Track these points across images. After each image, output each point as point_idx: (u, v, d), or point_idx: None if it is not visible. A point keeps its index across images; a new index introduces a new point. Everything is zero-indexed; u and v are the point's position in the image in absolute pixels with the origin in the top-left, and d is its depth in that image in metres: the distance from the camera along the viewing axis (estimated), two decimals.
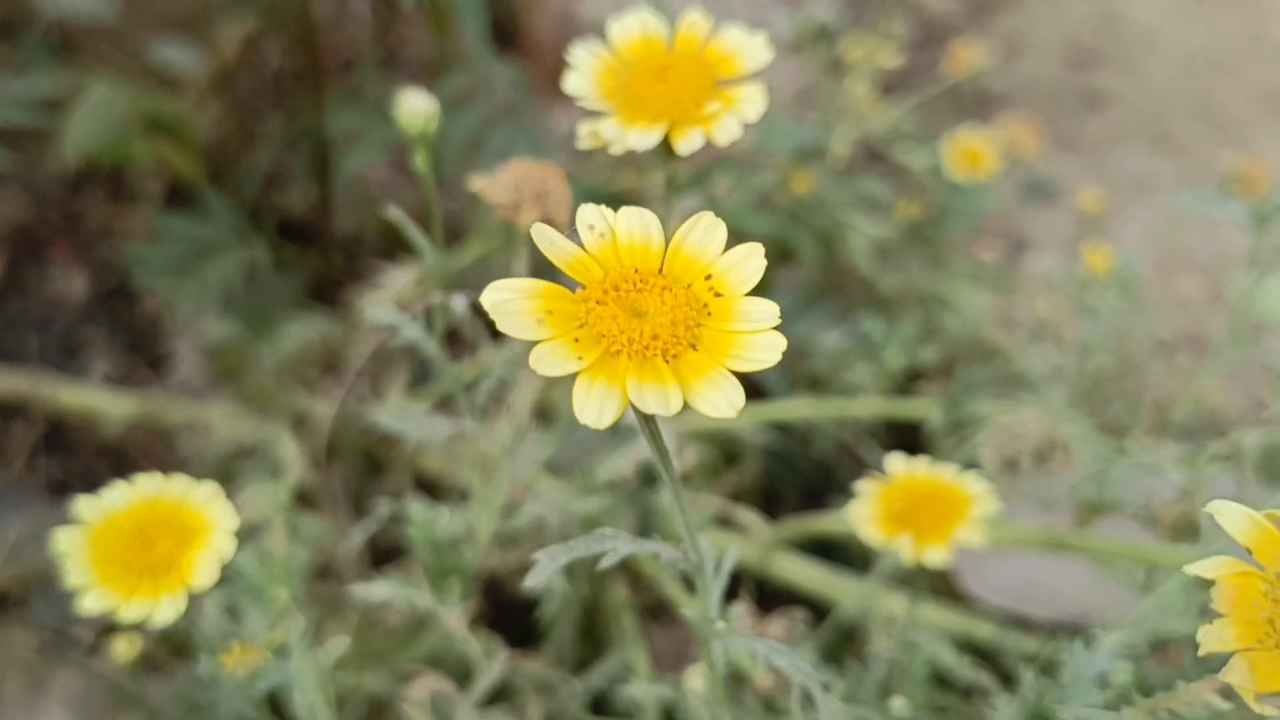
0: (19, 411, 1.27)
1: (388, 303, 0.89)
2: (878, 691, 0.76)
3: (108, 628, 0.96)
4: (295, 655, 0.69)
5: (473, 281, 0.80)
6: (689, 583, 0.53)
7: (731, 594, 0.54)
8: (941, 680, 0.81)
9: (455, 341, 0.75)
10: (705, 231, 0.43)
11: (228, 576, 0.65)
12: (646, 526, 0.92)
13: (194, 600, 0.60)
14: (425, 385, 1.12)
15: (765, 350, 0.39)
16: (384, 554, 1.02)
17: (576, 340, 0.39)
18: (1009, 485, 0.87)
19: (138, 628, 0.67)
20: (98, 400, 1.22)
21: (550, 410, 0.99)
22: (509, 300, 0.39)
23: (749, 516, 0.99)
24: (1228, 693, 0.42)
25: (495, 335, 0.54)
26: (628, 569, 0.98)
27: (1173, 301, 1.49)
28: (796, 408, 1.06)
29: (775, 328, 0.40)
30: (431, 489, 1.06)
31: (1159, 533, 0.85)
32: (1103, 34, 2.03)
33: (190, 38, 1.40)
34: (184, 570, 0.60)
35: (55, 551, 0.59)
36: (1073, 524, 0.91)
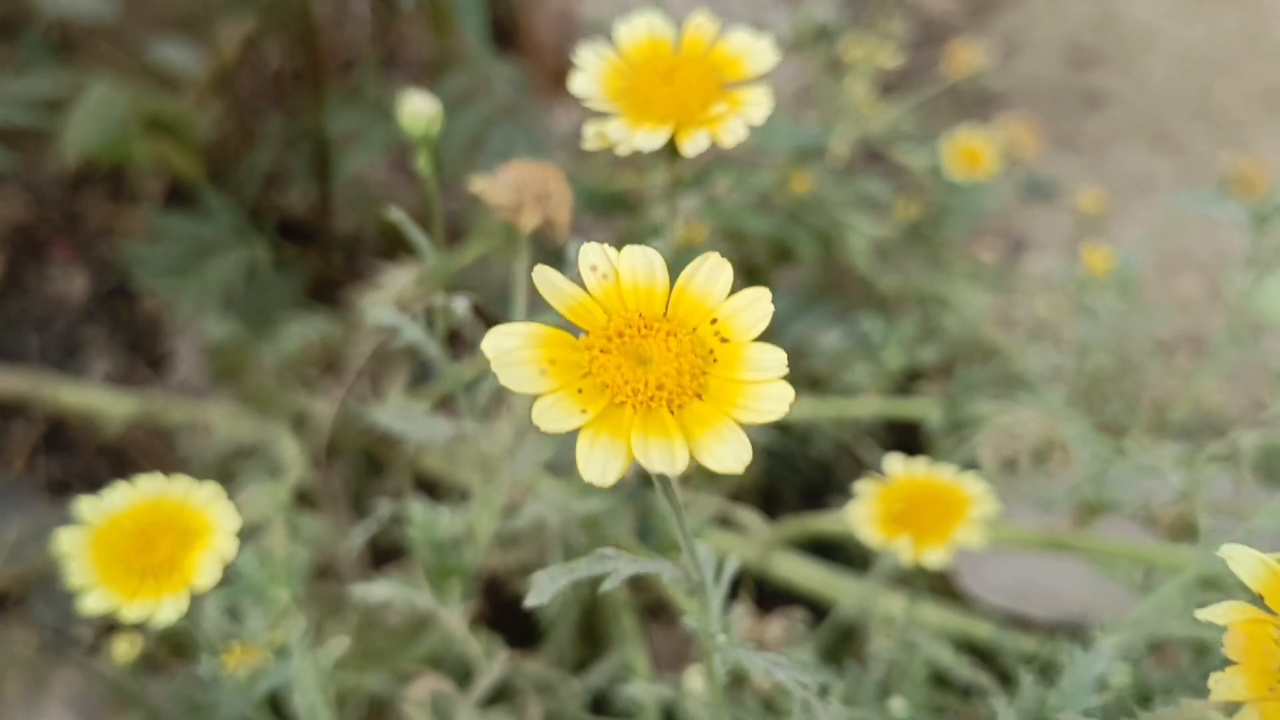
0: (19, 411, 1.27)
1: (388, 303, 0.89)
2: (877, 692, 0.76)
3: (108, 627, 0.96)
4: (296, 655, 0.69)
5: (473, 282, 0.81)
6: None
7: (731, 594, 0.54)
8: (940, 680, 0.81)
9: (456, 341, 0.75)
10: (711, 272, 0.43)
11: (228, 577, 0.65)
12: (647, 526, 0.92)
13: (195, 600, 0.60)
14: (426, 385, 1.12)
15: (773, 401, 0.39)
16: (384, 554, 1.02)
17: (580, 391, 0.38)
18: (1008, 485, 0.87)
19: (139, 628, 0.67)
20: (98, 400, 1.22)
21: None
22: (512, 349, 0.38)
23: (748, 516, 0.99)
24: (1230, 710, 0.41)
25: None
26: None
27: (1172, 301, 1.49)
28: (796, 408, 1.06)
29: (783, 377, 0.39)
30: (432, 489, 1.06)
31: (1157, 533, 0.85)
32: (1102, 33, 2.03)
33: (190, 37, 1.40)
34: (186, 571, 0.60)
35: (57, 552, 0.60)
36: (1071, 524, 0.92)
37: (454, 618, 0.75)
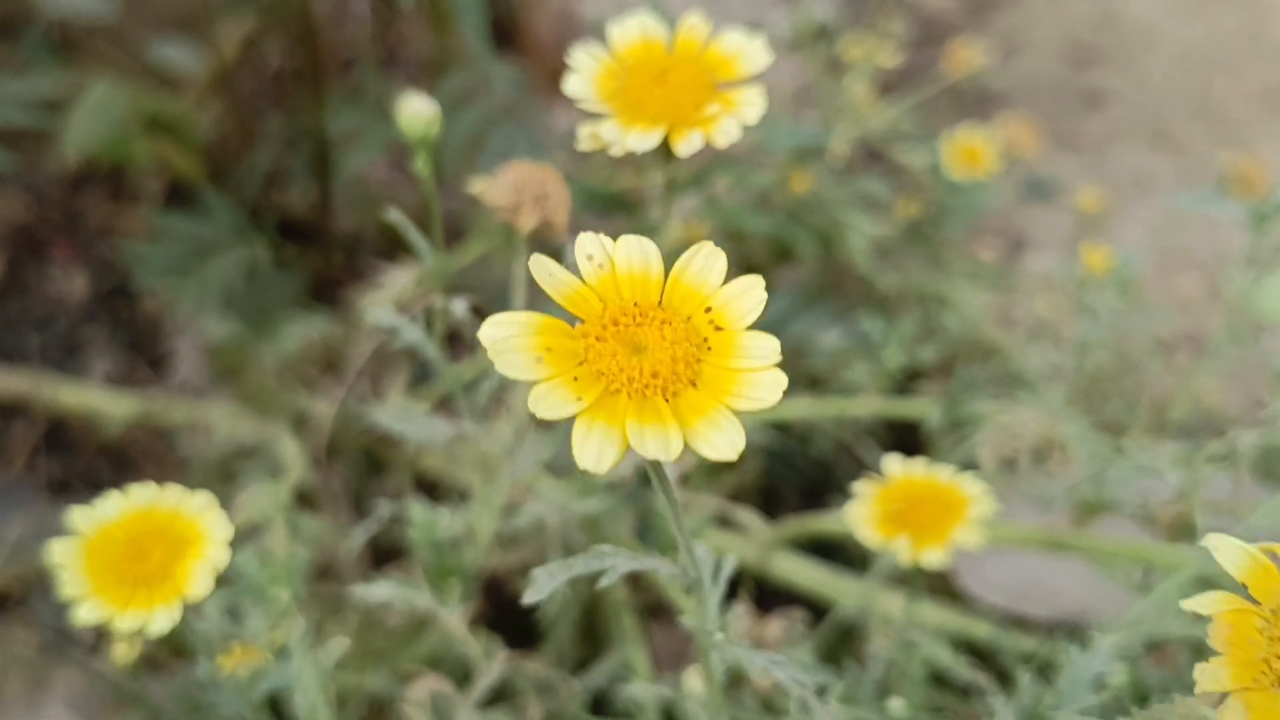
0: (20, 411, 1.27)
1: (388, 303, 0.89)
2: (876, 691, 0.76)
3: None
4: (296, 655, 0.69)
5: (473, 282, 0.81)
6: (688, 585, 0.53)
7: (731, 594, 0.54)
8: (939, 680, 0.81)
9: (455, 342, 0.75)
10: (705, 261, 0.43)
11: (229, 577, 0.65)
12: (647, 526, 0.92)
13: (192, 605, 0.60)
14: (426, 385, 1.12)
15: (767, 389, 0.39)
16: (384, 554, 1.02)
17: (575, 379, 0.38)
18: (1007, 484, 0.88)
19: (135, 636, 0.67)
20: (98, 400, 1.22)
21: None
22: (508, 337, 0.38)
23: (748, 516, 0.99)
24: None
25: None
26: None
27: (1171, 301, 1.49)
28: (795, 407, 1.06)
29: (777, 364, 0.40)
30: (432, 489, 1.06)
31: (1156, 532, 0.85)
32: (1102, 32, 2.03)
33: (190, 37, 1.40)
34: (178, 580, 0.60)
35: (50, 562, 0.60)
36: (1070, 523, 0.92)
37: (454, 618, 0.75)
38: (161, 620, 0.58)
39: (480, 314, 0.70)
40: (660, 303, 0.42)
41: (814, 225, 1.29)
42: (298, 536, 0.94)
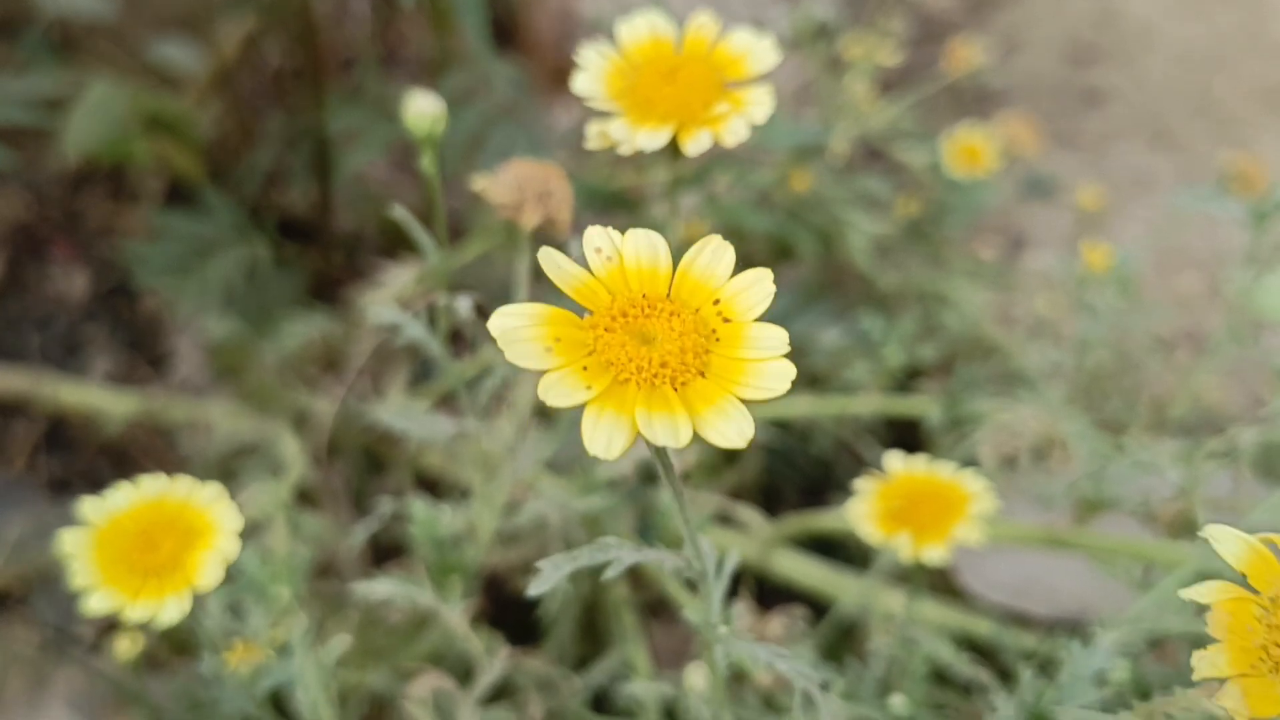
0: (20, 410, 1.27)
1: (389, 301, 0.89)
2: (877, 688, 0.76)
3: (110, 625, 0.97)
4: (297, 653, 0.69)
5: (475, 280, 0.81)
6: (690, 582, 0.53)
7: (732, 591, 0.55)
8: (940, 677, 0.81)
9: (457, 339, 0.75)
10: (713, 254, 0.43)
11: (230, 575, 0.65)
12: (647, 524, 0.92)
13: (197, 599, 0.60)
14: (427, 383, 1.12)
15: (775, 379, 0.39)
16: (385, 552, 1.02)
17: (585, 368, 0.38)
18: (1007, 483, 0.88)
19: (141, 626, 0.67)
20: (99, 399, 1.22)
21: (551, 408, 0.99)
22: (517, 327, 0.39)
23: (749, 514, 0.99)
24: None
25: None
26: (628, 567, 0.98)
27: (1171, 299, 1.49)
28: (796, 405, 1.06)
29: (785, 355, 0.40)
30: (433, 487, 1.06)
31: (1157, 530, 0.85)
32: (1102, 30, 2.03)
33: (190, 36, 1.40)
34: (188, 571, 0.60)
35: (60, 552, 0.60)
36: (1071, 521, 0.92)
37: (455, 615, 0.76)
38: (172, 610, 0.58)
39: (483, 311, 0.70)
40: (669, 295, 0.42)
41: (814, 223, 1.29)
42: (299, 534, 0.94)
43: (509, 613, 0.94)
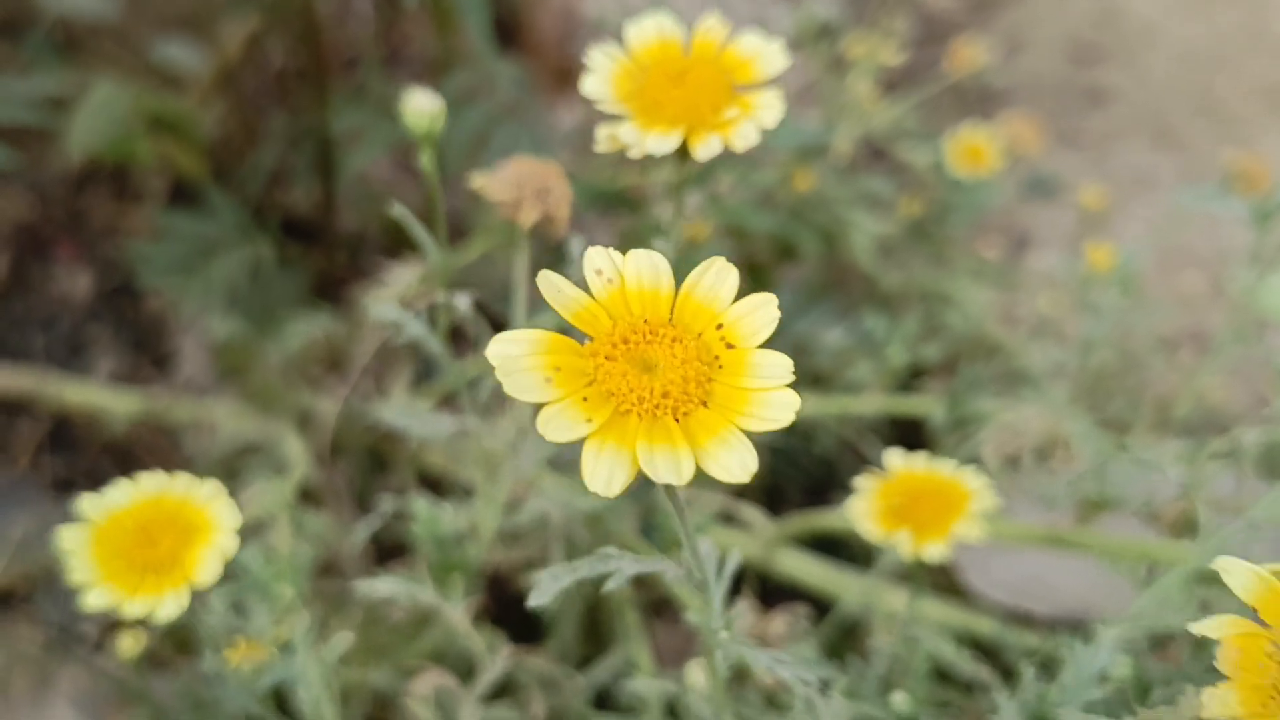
0: (24, 409, 1.27)
1: (392, 300, 0.89)
2: (879, 687, 0.76)
3: (113, 624, 0.97)
4: (300, 651, 0.69)
5: (476, 279, 0.81)
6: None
7: (735, 590, 0.54)
8: (943, 675, 0.81)
9: (459, 338, 0.75)
10: (716, 276, 0.42)
11: (233, 573, 0.65)
12: (649, 523, 0.92)
13: (199, 596, 0.61)
14: (429, 382, 1.12)
15: (778, 409, 0.38)
16: (388, 550, 1.02)
17: (585, 399, 0.37)
18: (1011, 482, 0.87)
19: (144, 624, 0.67)
20: (103, 398, 1.22)
21: None
22: (516, 356, 0.38)
23: (752, 513, 0.99)
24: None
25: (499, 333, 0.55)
26: None
27: (1174, 298, 1.49)
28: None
29: (789, 384, 0.39)
30: (435, 486, 1.06)
31: (1160, 529, 0.85)
32: (1104, 30, 2.03)
33: (194, 36, 1.40)
34: (187, 567, 0.60)
35: (59, 548, 0.60)
36: (1074, 521, 0.92)
37: (457, 613, 0.76)
38: (170, 606, 0.59)
39: (484, 310, 0.70)
40: (670, 318, 0.41)
41: (817, 223, 1.29)
42: (302, 533, 0.94)
43: (511, 611, 0.94)
